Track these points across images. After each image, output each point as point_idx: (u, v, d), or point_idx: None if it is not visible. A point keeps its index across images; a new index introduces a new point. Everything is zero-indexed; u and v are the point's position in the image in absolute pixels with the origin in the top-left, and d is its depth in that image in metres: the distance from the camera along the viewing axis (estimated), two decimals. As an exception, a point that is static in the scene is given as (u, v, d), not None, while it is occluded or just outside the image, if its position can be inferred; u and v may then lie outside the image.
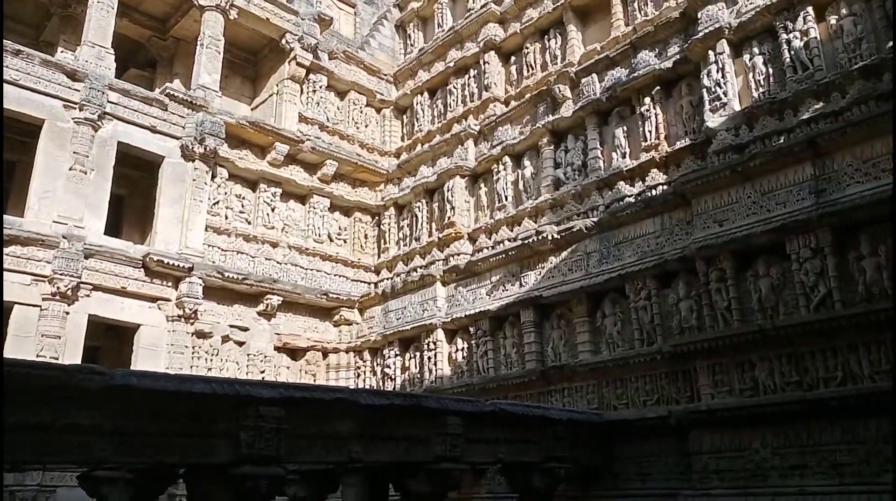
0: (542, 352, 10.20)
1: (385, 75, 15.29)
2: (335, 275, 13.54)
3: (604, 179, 10.13)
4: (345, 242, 14.10)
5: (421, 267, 12.63)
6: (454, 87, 13.60)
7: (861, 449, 6.55)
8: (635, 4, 10.74)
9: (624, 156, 10.09)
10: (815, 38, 8.25)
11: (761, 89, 8.66)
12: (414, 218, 13.43)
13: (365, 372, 13.15)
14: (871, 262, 7.11)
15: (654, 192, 9.35)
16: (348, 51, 14.89)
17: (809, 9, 8.33)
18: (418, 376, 11.99)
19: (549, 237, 10.23)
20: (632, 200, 9.54)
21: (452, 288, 11.95)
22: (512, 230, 11.33)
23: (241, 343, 12.07)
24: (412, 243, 13.29)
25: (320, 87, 14.20)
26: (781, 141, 8.05)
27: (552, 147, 11.18)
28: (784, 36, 8.49)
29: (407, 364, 12.36)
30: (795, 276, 7.55)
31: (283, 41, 13.60)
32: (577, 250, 10.01)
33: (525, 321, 10.41)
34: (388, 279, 13.47)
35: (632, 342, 9.04)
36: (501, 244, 11.26)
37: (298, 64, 13.66)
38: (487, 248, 11.55)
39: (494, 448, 7.36)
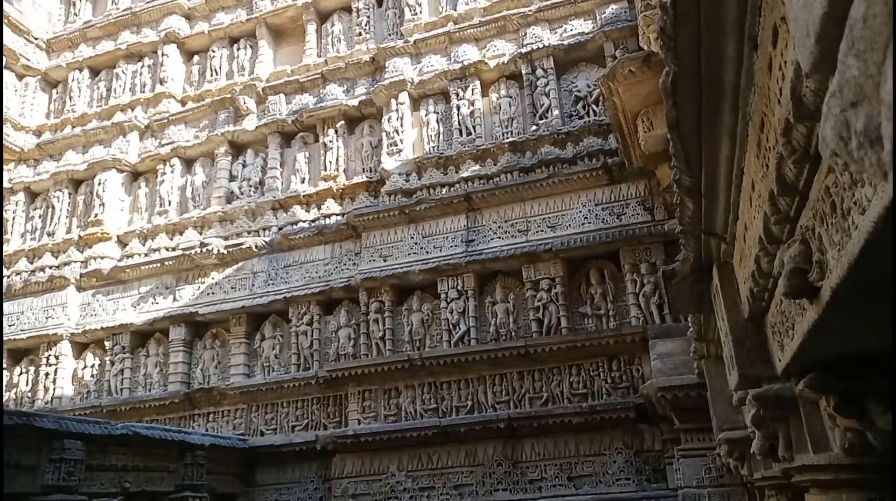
0: (189, 373, 9.47)
1: (36, 38, 12.94)
2: (-76, 265, 10.71)
3: (280, 200, 10.00)
4: (-54, 226, 11.30)
5: (52, 267, 10.76)
6: (123, 71, 12.15)
7: (479, 471, 7.45)
8: (329, 39, 11.02)
9: (303, 181, 10.13)
10: (480, 109, 9.47)
11: (432, 143, 9.55)
12: (50, 209, 11.43)
13: (-50, 389, 10.56)
14: (502, 307, 8.27)
15: (328, 220, 9.54)
16: (-11, -2, 12.28)
17: (477, 83, 9.53)
18: (29, 395, 10.05)
19: (216, 251, 9.65)
20: (306, 225, 9.59)
21: (90, 295, 10.41)
22: (172, 239, 10.40)
23: None
24: (44, 239, 11.25)
25: (-59, 30, 11.40)
26: (444, 192, 8.96)
27: (229, 158, 10.68)
28: (455, 101, 9.55)
29: (16, 381, 10.28)
30: (443, 313, 8.38)
31: None
32: (243, 268, 9.62)
33: (174, 338, 9.57)
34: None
35: (288, 367, 8.96)
36: (158, 253, 10.24)
37: (-88, -6, 10.79)
38: (140, 254, 10.40)
39: (121, 477, 6.52)
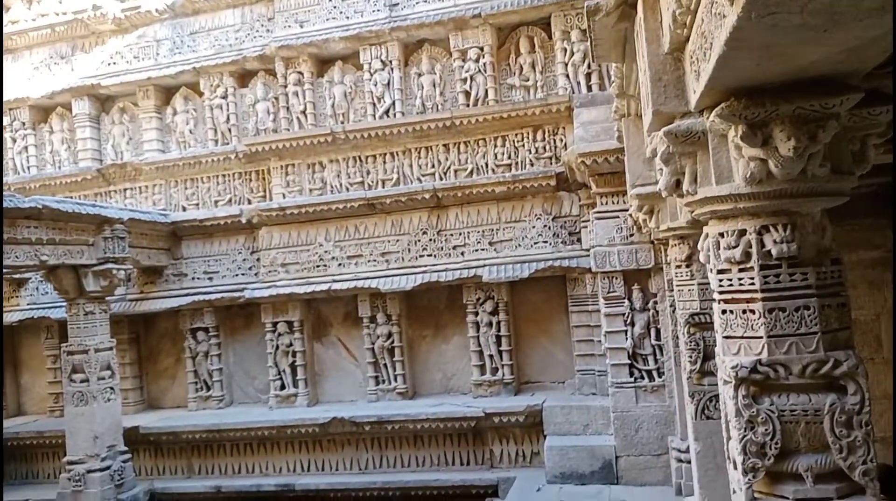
0: (100, 150, 8.98)
1: None
2: None
3: (179, -44, 8.84)
4: None
5: (-78, 33, 9.52)
6: None
7: (405, 239, 7.65)
8: None
9: (204, -68, 8.90)
10: None
11: None
12: None
13: None
14: (428, 79, 7.94)
15: (235, -21, 8.58)
16: None
17: None
18: (-75, 175, 9.43)
19: (111, 16, 8.66)
20: (211, -15, 8.62)
21: (-26, 66, 9.39)
22: (61, 2, 9.23)
23: None
24: None
25: None
26: (364, -52, 8.08)
27: None
28: None
29: None
30: (366, 86, 8.01)
31: None
32: (144, 35, 8.73)
33: (79, 113, 8.90)
34: None
35: (205, 142, 8.57)
36: (46, 17, 9.12)
37: None
38: (27, 20, 9.25)
39: (37, 250, 6.38)
